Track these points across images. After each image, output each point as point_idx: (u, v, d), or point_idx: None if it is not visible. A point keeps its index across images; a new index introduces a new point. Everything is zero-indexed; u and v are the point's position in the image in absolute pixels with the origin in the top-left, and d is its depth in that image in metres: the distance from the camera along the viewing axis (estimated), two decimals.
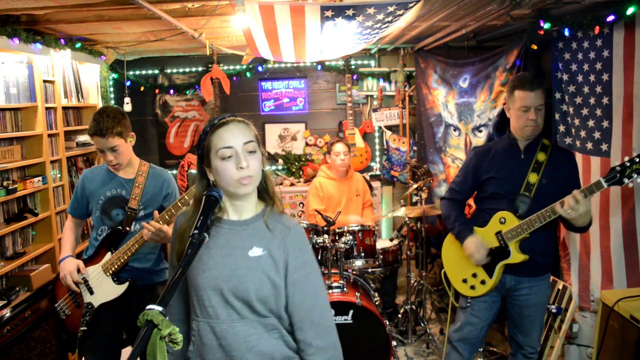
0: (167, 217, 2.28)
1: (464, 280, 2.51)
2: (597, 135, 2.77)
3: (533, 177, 2.34)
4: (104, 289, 2.43)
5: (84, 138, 4.07)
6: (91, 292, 2.44)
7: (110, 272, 2.42)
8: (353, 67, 5.03)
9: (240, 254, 1.45)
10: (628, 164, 2.02)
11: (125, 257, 2.39)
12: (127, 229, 2.45)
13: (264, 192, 1.54)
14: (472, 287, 2.48)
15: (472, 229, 2.46)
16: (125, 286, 2.42)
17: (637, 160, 2.00)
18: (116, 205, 2.46)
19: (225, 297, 1.42)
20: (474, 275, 2.47)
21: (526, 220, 2.28)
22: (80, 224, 2.65)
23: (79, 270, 2.43)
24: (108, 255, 2.44)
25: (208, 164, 1.44)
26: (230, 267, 1.43)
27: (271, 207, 1.52)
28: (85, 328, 2.35)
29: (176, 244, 1.51)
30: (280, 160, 5.14)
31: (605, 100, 2.70)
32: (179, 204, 2.29)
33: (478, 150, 2.56)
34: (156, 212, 2.33)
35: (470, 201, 2.68)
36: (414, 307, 3.80)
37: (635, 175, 2.01)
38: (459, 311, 2.58)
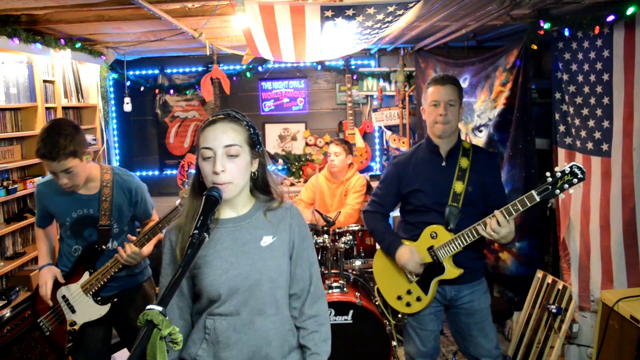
0: (144, 240, 2.18)
1: (399, 297, 2.42)
2: (597, 135, 2.77)
3: (459, 186, 2.27)
4: (85, 309, 2.31)
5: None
6: (73, 311, 2.32)
7: (91, 293, 2.30)
8: (353, 67, 5.03)
9: (252, 247, 1.47)
10: (559, 175, 1.96)
11: (105, 280, 2.27)
12: (103, 247, 2.31)
13: (262, 190, 1.54)
14: (408, 304, 2.40)
15: (401, 240, 2.37)
16: (107, 308, 2.31)
17: (568, 171, 1.95)
18: (86, 225, 2.30)
19: (249, 293, 1.43)
20: (409, 292, 2.38)
21: (458, 236, 2.21)
22: (50, 230, 2.52)
23: (57, 283, 2.32)
24: (86, 275, 2.31)
25: (197, 160, 1.46)
26: (248, 263, 1.44)
27: (275, 204, 1.54)
28: (72, 344, 2.27)
29: (179, 240, 1.47)
30: (280, 160, 5.14)
31: (605, 100, 2.70)
32: (157, 230, 2.17)
33: (398, 161, 2.45)
34: (130, 235, 2.21)
35: None
36: None
37: (567, 186, 1.95)
38: (408, 328, 2.49)
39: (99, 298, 2.32)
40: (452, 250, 2.24)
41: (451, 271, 2.28)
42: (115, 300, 2.35)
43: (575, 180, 1.95)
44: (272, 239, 1.49)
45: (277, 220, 1.52)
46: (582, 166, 1.95)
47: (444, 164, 2.32)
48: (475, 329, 2.36)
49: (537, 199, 2.00)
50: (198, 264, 1.45)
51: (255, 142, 1.47)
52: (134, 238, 2.20)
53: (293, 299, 1.55)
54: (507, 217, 2.06)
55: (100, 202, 2.25)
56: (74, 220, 2.28)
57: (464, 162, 2.30)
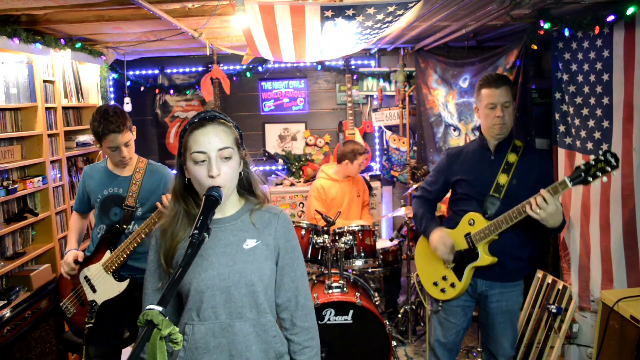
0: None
1: (435, 283, 2.49)
2: (597, 135, 2.77)
3: (503, 178, 2.32)
4: (106, 287, 2.45)
5: (84, 138, 4.06)
6: (94, 290, 2.47)
7: (111, 270, 2.44)
8: (353, 67, 5.03)
9: (235, 249, 1.45)
10: (593, 163, 1.96)
11: (124, 256, 2.41)
12: (125, 227, 2.45)
13: (247, 192, 1.54)
14: (443, 290, 2.45)
15: (439, 224, 2.45)
16: (126, 283, 2.44)
17: (602, 158, 1.94)
18: (114, 203, 2.48)
19: (226, 294, 1.42)
20: (444, 278, 2.44)
21: (494, 222, 2.24)
22: (84, 217, 2.71)
23: (77, 262, 2.47)
24: (108, 254, 2.46)
25: (184, 162, 1.44)
26: (228, 264, 1.43)
27: (259, 205, 1.53)
28: (91, 325, 2.37)
29: (162, 243, 1.47)
30: (280, 160, 5.14)
31: (605, 100, 2.70)
32: None
33: (450, 151, 2.54)
34: (164, 196, 2.29)
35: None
36: (414, 307, 3.80)
37: (600, 174, 1.94)
38: (433, 315, 2.56)
39: (117, 276, 2.45)
40: (487, 235, 2.27)
41: (484, 258, 2.31)
42: (133, 277, 2.45)
43: (608, 168, 1.93)
44: (255, 243, 1.47)
45: (263, 225, 1.50)
46: (616, 153, 1.93)
47: (492, 157, 2.38)
48: (499, 329, 2.41)
49: (570, 185, 2.00)
50: (178, 261, 1.44)
51: (241, 143, 1.48)
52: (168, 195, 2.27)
53: (280, 309, 1.52)
54: (553, 194, 2.04)
55: (130, 184, 2.46)
56: (104, 198, 2.49)
57: (511, 157, 2.35)
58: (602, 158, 1.94)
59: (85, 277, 2.49)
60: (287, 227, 1.53)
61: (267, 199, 1.57)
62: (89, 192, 2.54)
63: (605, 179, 1.95)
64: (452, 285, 2.41)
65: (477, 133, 2.48)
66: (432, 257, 2.50)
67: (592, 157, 1.97)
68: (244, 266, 1.43)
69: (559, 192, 2.04)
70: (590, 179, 1.96)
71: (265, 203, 1.55)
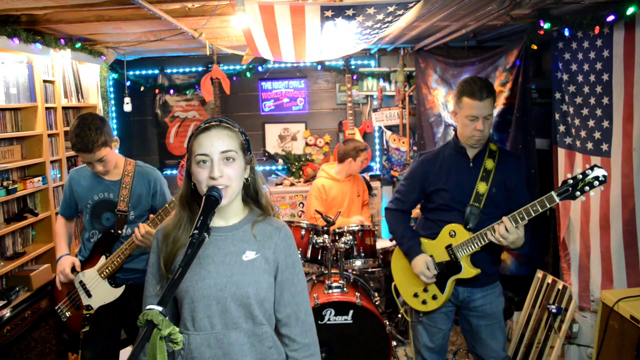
0: (157, 221, 2.24)
1: (415, 295, 2.43)
2: (597, 135, 2.77)
3: (482, 187, 2.27)
4: (101, 292, 2.43)
5: None
6: (89, 295, 2.44)
7: (106, 275, 2.42)
8: (353, 67, 5.03)
9: (234, 259, 1.44)
10: (580, 177, 1.95)
11: (119, 261, 2.38)
12: (120, 232, 2.43)
13: (253, 200, 1.54)
14: (424, 302, 2.40)
15: (420, 244, 2.37)
16: (121, 289, 2.42)
17: (589, 173, 1.93)
18: (105, 209, 2.44)
19: (222, 305, 1.41)
20: (425, 290, 2.39)
21: (477, 235, 2.20)
22: (70, 221, 2.67)
23: (74, 269, 2.43)
24: (102, 259, 2.43)
25: (190, 166, 1.45)
26: (226, 274, 1.42)
27: (262, 217, 1.52)
28: (87, 329, 2.36)
29: (163, 247, 1.47)
30: (280, 160, 5.14)
31: (605, 100, 2.70)
32: (169, 208, 2.23)
33: (424, 158, 2.44)
34: (151, 215, 2.30)
35: None
36: None
37: (588, 189, 1.93)
38: (417, 324, 2.51)
39: (112, 281, 2.43)
40: (470, 249, 2.24)
41: (468, 270, 2.27)
42: (129, 282, 2.43)
43: (596, 182, 1.92)
44: (254, 255, 1.45)
45: (264, 238, 1.49)
46: (604, 168, 1.93)
47: (471, 164, 2.32)
48: (485, 331, 2.38)
49: (557, 200, 1.98)
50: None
51: (247, 149, 1.48)
52: (153, 216, 2.27)
53: (280, 324, 1.50)
54: (514, 223, 2.04)
55: (121, 189, 2.42)
56: (95, 203, 2.45)
57: (489, 164, 2.30)
58: (589, 172, 1.93)
59: (81, 282, 2.46)
60: (287, 242, 1.51)
61: (273, 209, 1.56)
62: (77, 198, 2.49)
63: (592, 193, 1.95)
64: (434, 297, 2.37)
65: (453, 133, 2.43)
66: (411, 269, 2.43)
67: (578, 171, 1.97)
68: (241, 278, 1.42)
69: (545, 208, 2.02)
70: (577, 193, 1.95)
71: (270, 215, 1.54)
